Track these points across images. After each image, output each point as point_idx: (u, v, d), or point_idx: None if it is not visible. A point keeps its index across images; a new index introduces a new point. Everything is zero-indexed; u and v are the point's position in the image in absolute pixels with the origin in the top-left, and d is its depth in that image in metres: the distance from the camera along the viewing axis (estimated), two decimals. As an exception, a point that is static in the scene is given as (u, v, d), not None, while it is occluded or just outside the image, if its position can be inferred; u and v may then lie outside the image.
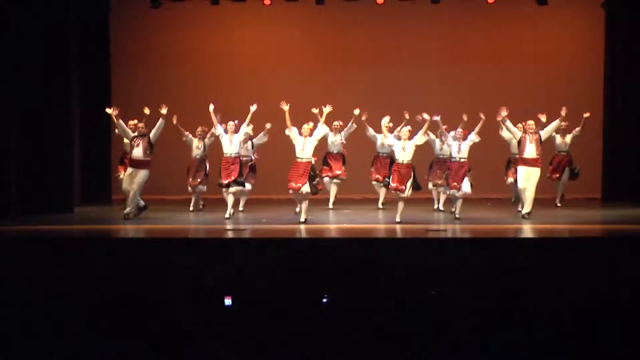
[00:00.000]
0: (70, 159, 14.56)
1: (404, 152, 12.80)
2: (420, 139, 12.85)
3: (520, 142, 13.36)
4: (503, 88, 16.86)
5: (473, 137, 13.24)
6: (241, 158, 13.55)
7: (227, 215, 13.34)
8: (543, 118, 13.29)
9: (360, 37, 16.95)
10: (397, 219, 12.78)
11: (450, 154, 13.37)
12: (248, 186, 14.09)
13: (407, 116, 13.85)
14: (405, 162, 12.78)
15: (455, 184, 13.17)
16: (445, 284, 9.33)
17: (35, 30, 13.52)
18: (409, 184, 12.70)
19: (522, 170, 13.36)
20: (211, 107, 13.34)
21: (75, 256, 10.18)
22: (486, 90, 16.80)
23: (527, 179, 13.28)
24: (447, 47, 16.90)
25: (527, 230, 12.24)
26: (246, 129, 13.51)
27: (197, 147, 14.27)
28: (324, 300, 9.04)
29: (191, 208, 14.55)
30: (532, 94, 16.60)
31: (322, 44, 17.03)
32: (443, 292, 9.16)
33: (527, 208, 13.31)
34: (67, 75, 14.37)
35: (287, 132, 12.84)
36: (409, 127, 12.95)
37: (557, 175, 15.06)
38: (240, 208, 14.51)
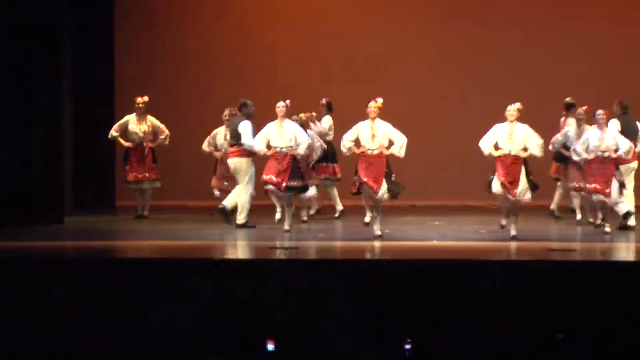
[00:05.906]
0: (60, 156, 13.18)
1: (372, 140, 10.21)
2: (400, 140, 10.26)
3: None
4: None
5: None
6: (295, 154, 11.09)
7: (286, 228, 11.05)
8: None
9: (369, 28, 16.40)
10: (377, 232, 10.25)
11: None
12: (312, 190, 11.88)
13: None
14: (375, 152, 10.19)
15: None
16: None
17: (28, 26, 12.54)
18: (383, 183, 10.12)
19: None
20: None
21: (66, 281, 8.75)
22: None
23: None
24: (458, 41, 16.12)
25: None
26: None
27: (225, 136, 12.03)
28: (407, 346, 8.02)
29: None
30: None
31: (329, 37, 16.52)
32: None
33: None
34: (54, 53, 13.11)
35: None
36: (381, 100, 10.37)
37: None
38: (304, 218, 12.37)
